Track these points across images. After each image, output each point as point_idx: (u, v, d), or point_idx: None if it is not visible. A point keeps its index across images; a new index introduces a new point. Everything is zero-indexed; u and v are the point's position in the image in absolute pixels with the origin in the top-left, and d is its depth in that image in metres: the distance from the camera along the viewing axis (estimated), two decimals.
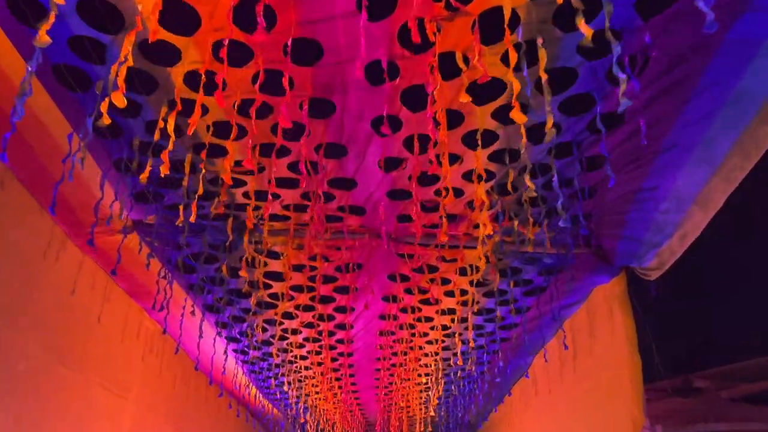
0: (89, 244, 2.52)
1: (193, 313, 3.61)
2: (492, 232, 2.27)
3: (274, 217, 3.33)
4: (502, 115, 2.33)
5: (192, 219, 2.26)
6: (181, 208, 2.26)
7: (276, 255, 3.70)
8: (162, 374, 4.80)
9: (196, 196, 2.32)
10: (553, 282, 3.88)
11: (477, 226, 3.37)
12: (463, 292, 4.15)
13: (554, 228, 3.19)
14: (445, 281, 4.02)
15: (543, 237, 3.47)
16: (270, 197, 2.43)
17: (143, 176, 1.95)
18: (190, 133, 1.82)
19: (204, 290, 3.89)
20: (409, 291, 4.16)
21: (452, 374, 5.52)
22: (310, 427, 7.30)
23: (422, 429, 7.04)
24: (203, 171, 2.35)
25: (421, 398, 6.47)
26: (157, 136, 1.92)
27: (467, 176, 2.81)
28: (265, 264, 3.77)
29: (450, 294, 4.19)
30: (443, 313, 4.37)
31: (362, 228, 3.52)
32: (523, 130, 2.00)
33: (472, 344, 3.97)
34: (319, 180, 2.72)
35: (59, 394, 3.35)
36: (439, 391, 5.35)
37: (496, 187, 2.86)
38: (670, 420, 3.51)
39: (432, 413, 5.48)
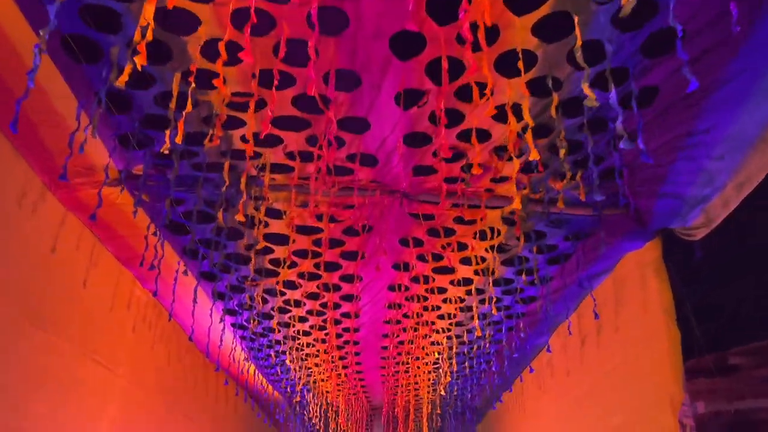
0: (61, 179, 2.19)
1: (186, 272, 3.28)
2: (538, 158, 1.93)
3: (275, 168, 3.00)
4: (544, 29, 1.99)
5: (178, 140, 1.92)
6: (167, 133, 1.93)
7: (278, 214, 3.37)
8: (155, 348, 4.49)
9: (184, 114, 1.98)
10: (580, 248, 3.55)
11: (502, 180, 3.05)
12: (481, 260, 3.83)
13: (590, 182, 2.84)
14: (462, 246, 3.69)
15: (572, 195, 3.15)
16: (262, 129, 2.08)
17: (121, 79, 1.62)
18: (170, 6, 1.48)
19: (199, 255, 3.56)
20: (422, 258, 3.83)
21: (464, 353, 5.20)
22: (312, 410, 7.00)
23: (429, 411, 6.73)
24: (192, 85, 2.01)
25: (429, 379, 6.16)
26: (137, 36, 1.58)
27: (497, 114, 2.46)
28: (266, 224, 3.44)
29: (466, 261, 3.85)
30: (458, 283, 4.05)
31: (373, 183, 3.19)
32: (577, 30, 1.65)
33: (494, 311, 3.63)
34: (328, 119, 2.37)
35: (39, 361, 3.03)
36: (453, 366, 5.03)
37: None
38: (710, 397, 3.20)
39: (443, 392, 5.17)
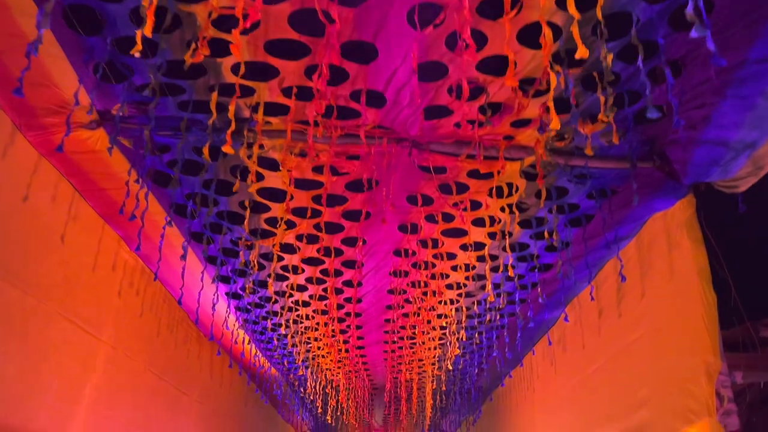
0: (17, 95, 1.88)
1: (170, 223, 2.99)
2: (586, 54, 1.60)
3: (270, 109, 2.69)
4: None
5: (147, 31, 1.61)
6: (138, 34, 1.60)
7: (274, 165, 3.06)
8: (144, 316, 4.21)
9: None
10: (605, 207, 3.24)
11: (524, 124, 2.73)
12: (498, 221, 3.52)
13: (624, 123, 2.53)
14: (475, 205, 3.39)
15: (600, 144, 2.84)
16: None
17: None
18: None
19: (187, 212, 3.26)
20: (431, 218, 3.53)
21: (473, 326, 4.90)
22: (310, 386, 6.74)
23: (434, 387, 6.47)
24: None
25: (434, 356, 5.88)
26: None
27: (524, 37, 2.14)
28: (260, 177, 3.13)
29: (479, 223, 3.55)
30: (469, 248, 3.74)
31: (379, 129, 2.88)
32: None
33: (511, 273, 3.34)
34: (330, 36, 2.05)
35: (11, 320, 2.75)
36: (462, 337, 4.74)
37: (564, 54, 2.18)
38: (748, 367, 2.92)
39: (449, 367, 4.90)
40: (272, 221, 3.57)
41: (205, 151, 2.42)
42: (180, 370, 5.07)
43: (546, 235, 3.29)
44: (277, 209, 3.43)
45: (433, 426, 10.25)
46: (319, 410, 7.53)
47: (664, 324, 3.19)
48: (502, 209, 3.35)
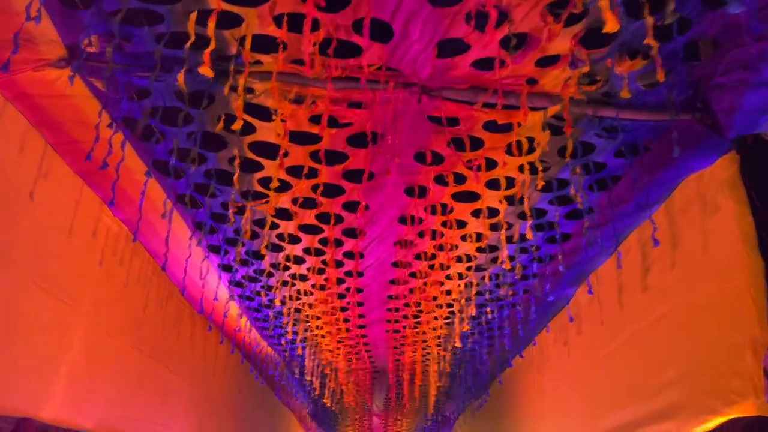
0: None
1: (149, 174, 2.66)
2: None
3: (259, 44, 2.35)
4: None
5: None
6: None
7: (266, 114, 2.73)
8: (129, 288, 3.90)
9: None
10: (636, 165, 2.91)
11: (551, 62, 2.39)
12: (510, 186, 3.20)
13: (669, 61, 2.19)
14: (491, 164, 3.05)
15: (636, 88, 2.50)
16: None
17: None
18: None
19: (170, 169, 2.91)
20: (440, 179, 3.20)
21: (481, 303, 4.59)
22: (308, 365, 6.45)
23: (441, 368, 6.19)
24: None
25: (440, 336, 5.58)
26: None
27: None
28: (251, 129, 2.80)
29: (493, 185, 3.22)
30: (481, 214, 3.42)
31: (385, 72, 2.54)
32: None
33: (530, 234, 3.01)
34: None
35: None
36: (472, 313, 4.44)
37: None
38: None
39: (458, 344, 4.60)
40: (266, 182, 3.25)
41: (180, 78, 2.08)
42: (171, 349, 4.77)
43: (572, 192, 2.96)
44: (270, 167, 3.10)
45: (436, 411, 10.00)
46: (317, 392, 7.26)
47: (699, 296, 2.88)
48: (521, 169, 3.02)
